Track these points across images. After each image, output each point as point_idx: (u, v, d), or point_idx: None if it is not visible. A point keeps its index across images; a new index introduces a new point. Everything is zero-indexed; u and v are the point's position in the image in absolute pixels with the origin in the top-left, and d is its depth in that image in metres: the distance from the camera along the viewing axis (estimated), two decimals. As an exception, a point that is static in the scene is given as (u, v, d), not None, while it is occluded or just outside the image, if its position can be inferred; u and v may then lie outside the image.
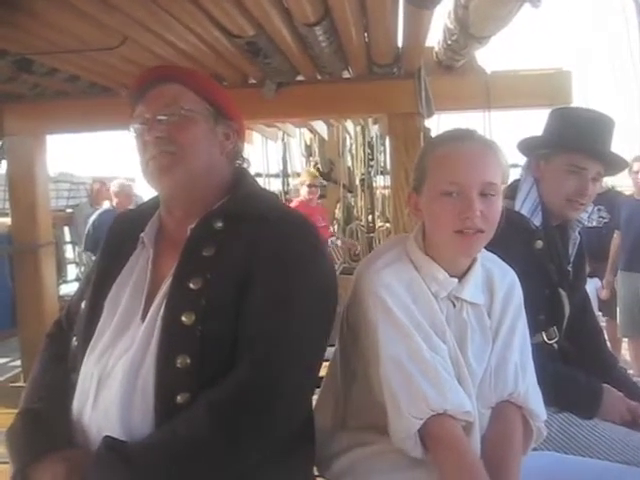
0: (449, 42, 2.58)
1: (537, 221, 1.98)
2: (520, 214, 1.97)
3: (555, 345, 2.00)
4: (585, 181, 1.97)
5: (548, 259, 1.98)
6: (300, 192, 6.77)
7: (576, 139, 1.96)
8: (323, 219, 6.60)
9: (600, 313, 5.69)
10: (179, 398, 1.30)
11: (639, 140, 10.25)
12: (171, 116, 1.45)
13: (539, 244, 1.94)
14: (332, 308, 1.49)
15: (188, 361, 1.31)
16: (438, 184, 1.47)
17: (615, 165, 2.06)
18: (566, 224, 2.11)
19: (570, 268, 2.11)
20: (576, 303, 2.12)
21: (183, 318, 1.33)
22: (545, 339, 1.96)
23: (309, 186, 6.53)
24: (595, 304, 5.61)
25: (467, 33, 2.32)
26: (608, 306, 5.75)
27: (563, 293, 2.02)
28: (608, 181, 6.13)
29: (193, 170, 1.46)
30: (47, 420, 1.40)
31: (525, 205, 1.98)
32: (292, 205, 6.59)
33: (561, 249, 2.06)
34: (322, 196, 7.59)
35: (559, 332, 2.01)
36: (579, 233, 2.15)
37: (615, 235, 5.56)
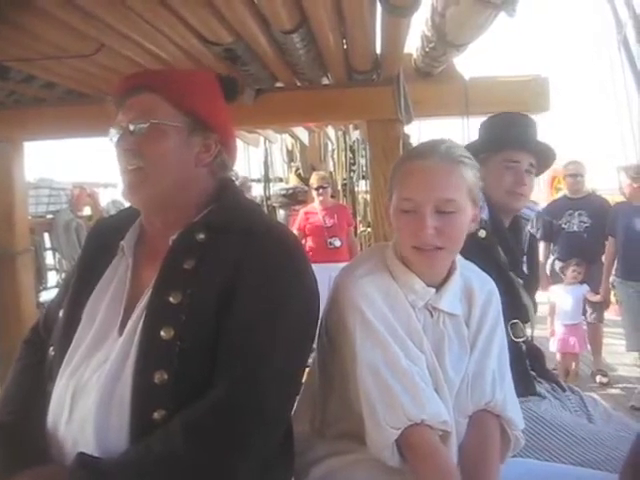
0: (427, 49, 2.58)
1: (485, 215, 2.08)
2: None
3: (522, 345, 2.03)
4: (520, 173, 2.18)
5: (494, 244, 2.05)
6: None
7: (506, 137, 2.20)
8: (341, 217, 6.65)
9: (584, 316, 5.73)
10: (156, 415, 1.28)
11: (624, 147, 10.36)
12: (141, 128, 1.42)
13: (482, 233, 2.00)
14: (314, 325, 1.48)
15: (165, 377, 1.28)
16: (398, 200, 1.51)
17: (545, 155, 2.26)
18: (517, 223, 2.28)
19: (524, 260, 2.25)
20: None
21: (162, 333, 1.31)
22: (511, 336, 1.96)
23: (316, 188, 6.59)
24: (581, 309, 5.66)
25: (444, 40, 2.33)
26: (597, 310, 5.77)
27: (517, 280, 2.09)
28: (589, 185, 6.18)
29: (162, 186, 1.43)
30: (20, 434, 1.38)
31: None
32: (304, 211, 6.76)
33: (513, 243, 2.19)
34: (303, 201, 7.60)
35: (525, 329, 2.05)
36: (529, 231, 2.39)
37: (609, 241, 5.52)
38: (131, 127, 1.42)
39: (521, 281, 2.11)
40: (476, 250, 1.73)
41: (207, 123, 1.49)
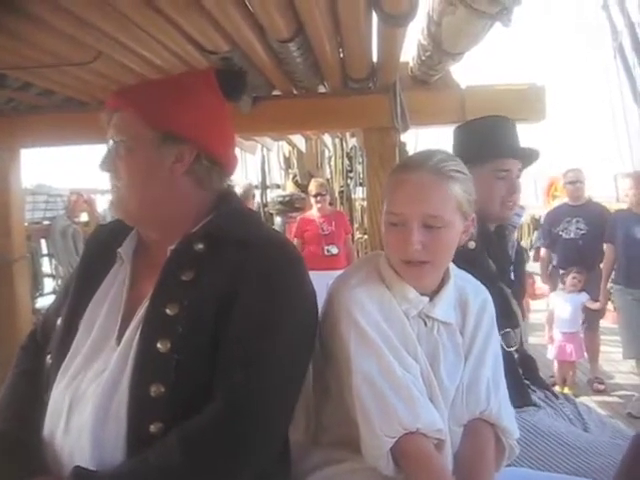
0: (423, 58, 2.59)
1: None
2: None
3: (515, 354, 2.03)
4: (512, 181, 2.16)
5: (485, 256, 2.05)
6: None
7: (493, 146, 2.15)
8: (339, 224, 6.67)
9: (584, 324, 5.74)
10: (152, 428, 1.27)
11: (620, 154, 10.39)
12: (113, 147, 1.45)
13: (472, 245, 1.98)
14: (313, 334, 1.49)
15: (162, 390, 1.28)
16: (386, 213, 1.52)
17: (530, 158, 2.25)
18: (502, 229, 2.25)
19: (512, 270, 2.23)
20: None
21: (158, 345, 1.30)
22: (504, 346, 1.96)
23: (314, 196, 6.61)
24: (579, 317, 5.65)
25: (440, 49, 2.33)
26: (593, 318, 5.79)
27: (508, 291, 2.09)
28: (587, 193, 6.20)
29: (137, 202, 1.45)
30: (16, 442, 1.37)
31: None
32: (301, 218, 6.80)
33: (499, 251, 2.17)
34: (300, 208, 7.61)
35: (517, 338, 2.05)
36: (516, 239, 2.35)
37: (608, 249, 5.53)
38: (108, 147, 1.46)
39: (509, 290, 2.11)
40: (466, 262, 1.73)
41: (181, 133, 1.45)
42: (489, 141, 2.18)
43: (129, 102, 1.47)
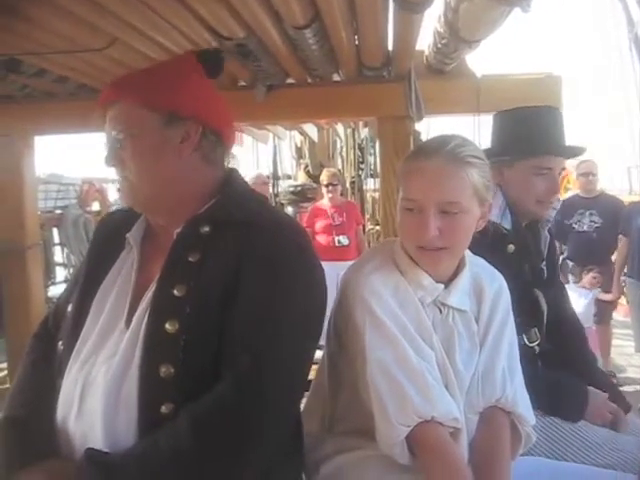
0: (439, 46, 2.57)
1: (507, 224, 2.00)
2: (489, 220, 1.96)
3: (536, 348, 2.00)
4: (553, 180, 2.04)
5: (522, 261, 1.99)
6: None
7: (538, 142, 2.02)
8: (350, 215, 6.64)
9: (595, 317, 5.71)
10: (163, 408, 1.28)
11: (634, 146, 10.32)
12: (117, 140, 1.43)
13: (511, 248, 1.96)
14: (321, 317, 1.47)
15: (172, 370, 1.28)
16: (402, 199, 1.50)
17: (574, 154, 2.16)
18: (536, 223, 2.17)
19: (544, 266, 2.16)
20: (553, 300, 2.14)
21: (167, 326, 1.30)
22: (526, 342, 1.95)
23: (326, 185, 6.57)
24: (592, 312, 5.62)
25: (457, 37, 2.32)
26: (605, 311, 5.75)
27: (539, 292, 2.04)
28: (599, 185, 6.15)
29: (150, 190, 1.44)
30: (29, 428, 1.38)
31: (492, 211, 1.97)
32: (313, 208, 6.78)
33: (533, 248, 2.10)
34: (312, 199, 7.59)
35: (540, 334, 2.02)
36: (548, 231, 2.22)
37: (622, 241, 5.50)
38: (110, 141, 1.45)
39: (541, 292, 2.05)
40: (503, 265, 1.70)
41: (181, 112, 1.44)
42: (532, 135, 2.05)
43: (126, 91, 1.45)
